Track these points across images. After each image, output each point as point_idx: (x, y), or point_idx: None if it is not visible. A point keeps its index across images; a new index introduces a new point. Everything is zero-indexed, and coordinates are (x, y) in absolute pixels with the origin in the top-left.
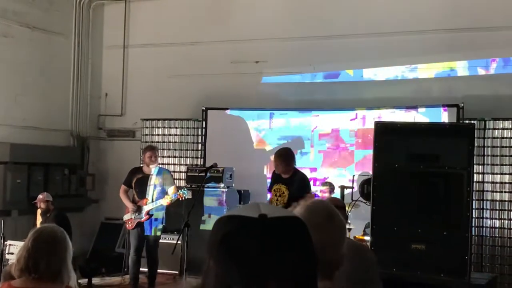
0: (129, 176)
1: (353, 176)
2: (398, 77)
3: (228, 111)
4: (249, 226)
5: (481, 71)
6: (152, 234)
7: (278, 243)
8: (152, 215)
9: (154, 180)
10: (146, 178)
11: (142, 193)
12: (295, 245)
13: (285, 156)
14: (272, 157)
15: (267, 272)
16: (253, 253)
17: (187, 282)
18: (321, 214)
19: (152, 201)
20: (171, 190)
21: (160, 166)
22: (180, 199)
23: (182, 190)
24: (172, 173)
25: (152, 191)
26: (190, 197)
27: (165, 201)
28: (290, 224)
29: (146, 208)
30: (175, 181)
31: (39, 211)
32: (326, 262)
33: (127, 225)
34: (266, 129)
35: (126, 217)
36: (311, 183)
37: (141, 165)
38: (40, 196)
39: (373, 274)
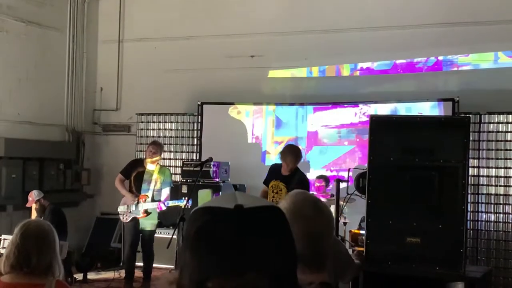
0: (130, 167)
1: (348, 169)
2: (394, 72)
3: (223, 105)
4: (224, 217)
5: (477, 65)
6: (147, 228)
7: (255, 233)
8: (151, 213)
9: (155, 177)
10: (147, 173)
11: (141, 188)
12: (272, 235)
13: (297, 153)
14: (270, 150)
15: (245, 263)
16: (229, 244)
17: (164, 276)
18: (308, 205)
19: (153, 200)
20: (166, 191)
21: (161, 165)
22: (184, 207)
23: (189, 201)
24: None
25: (152, 188)
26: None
27: (163, 205)
28: (267, 214)
29: (144, 206)
30: (172, 175)
31: (34, 205)
32: (318, 254)
33: (121, 217)
34: (262, 123)
35: (121, 208)
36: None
37: (142, 157)
38: (29, 199)
39: (344, 262)
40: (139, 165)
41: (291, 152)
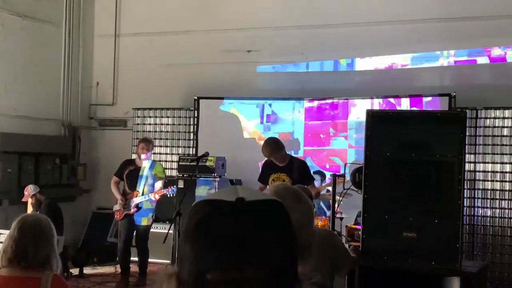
0: (121, 168)
1: (345, 164)
2: (391, 67)
3: (220, 101)
4: (225, 210)
5: (473, 60)
6: (142, 224)
7: (256, 226)
8: (141, 207)
9: (146, 172)
10: (138, 170)
11: (133, 185)
12: (273, 228)
13: (272, 144)
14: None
15: (245, 257)
16: (230, 238)
17: (161, 270)
18: (289, 196)
19: (143, 194)
20: (159, 184)
21: (153, 159)
22: (168, 195)
23: (172, 188)
24: (163, 164)
25: (143, 183)
26: (174, 194)
27: (153, 196)
28: (268, 207)
29: (135, 201)
30: (166, 170)
31: (30, 200)
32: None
33: (115, 216)
34: (258, 118)
35: (115, 207)
36: None
37: (133, 158)
38: (25, 193)
39: (341, 255)
40: (130, 164)
41: (263, 146)
